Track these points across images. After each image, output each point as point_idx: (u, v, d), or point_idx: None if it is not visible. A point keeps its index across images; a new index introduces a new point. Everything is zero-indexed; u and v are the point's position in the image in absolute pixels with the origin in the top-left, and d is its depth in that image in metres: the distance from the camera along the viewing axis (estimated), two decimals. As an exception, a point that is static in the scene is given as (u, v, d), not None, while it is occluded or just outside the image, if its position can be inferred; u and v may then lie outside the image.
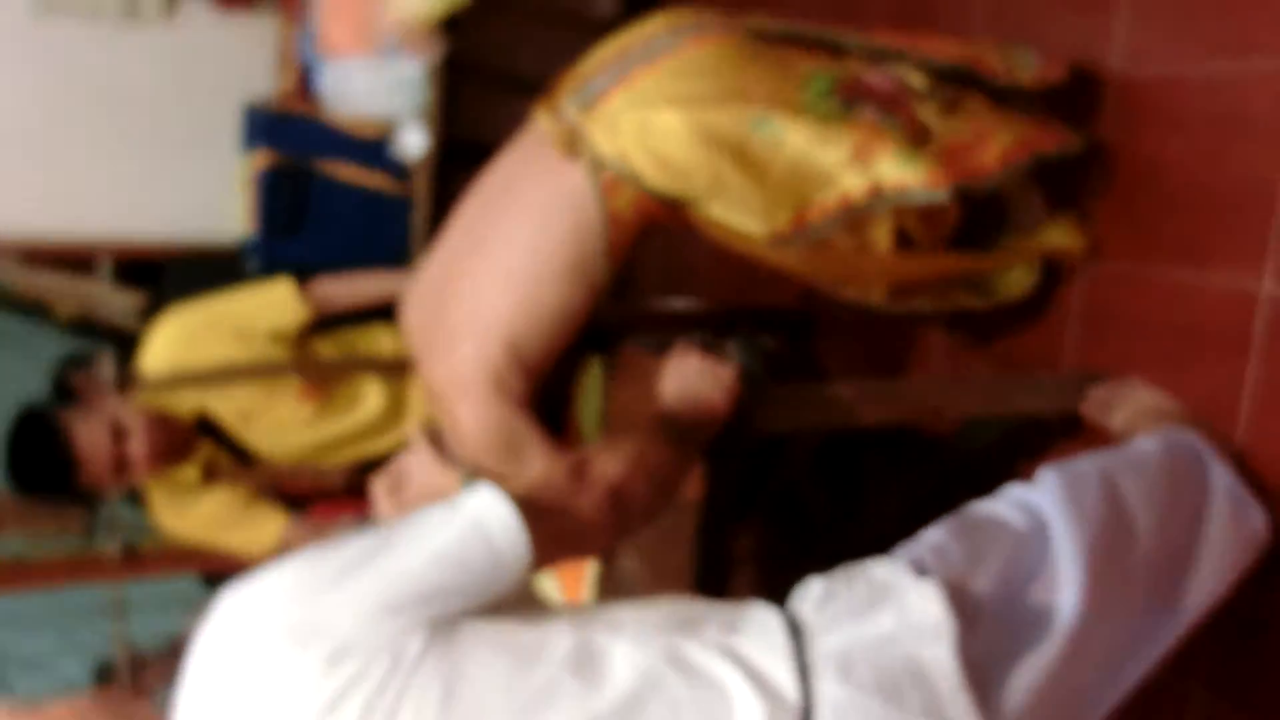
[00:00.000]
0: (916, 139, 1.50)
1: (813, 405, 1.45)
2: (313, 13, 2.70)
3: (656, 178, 1.45)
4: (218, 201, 3.11)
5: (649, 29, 1.55)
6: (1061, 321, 1.89)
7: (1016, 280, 1.83)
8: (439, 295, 1.56)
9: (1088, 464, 1.25)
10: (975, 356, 2.10)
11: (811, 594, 1.01)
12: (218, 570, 3.57)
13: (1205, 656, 1.58)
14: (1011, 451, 1.95)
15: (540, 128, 1.53)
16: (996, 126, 1.58)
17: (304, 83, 2.85)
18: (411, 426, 1.76)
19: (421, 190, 2.77)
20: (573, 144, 1.48)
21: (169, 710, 0.88)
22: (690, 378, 1.31)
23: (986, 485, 1.49)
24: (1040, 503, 1.15)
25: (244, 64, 3.08)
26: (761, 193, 1.47)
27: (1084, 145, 1.69)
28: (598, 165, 1.46)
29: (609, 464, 1.06)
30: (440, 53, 2.60)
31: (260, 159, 2.75)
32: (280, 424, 2.07)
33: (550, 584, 1.90)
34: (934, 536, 1.10)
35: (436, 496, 1.58)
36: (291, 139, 2.75)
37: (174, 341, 2.05)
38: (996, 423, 1.93)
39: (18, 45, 2.90)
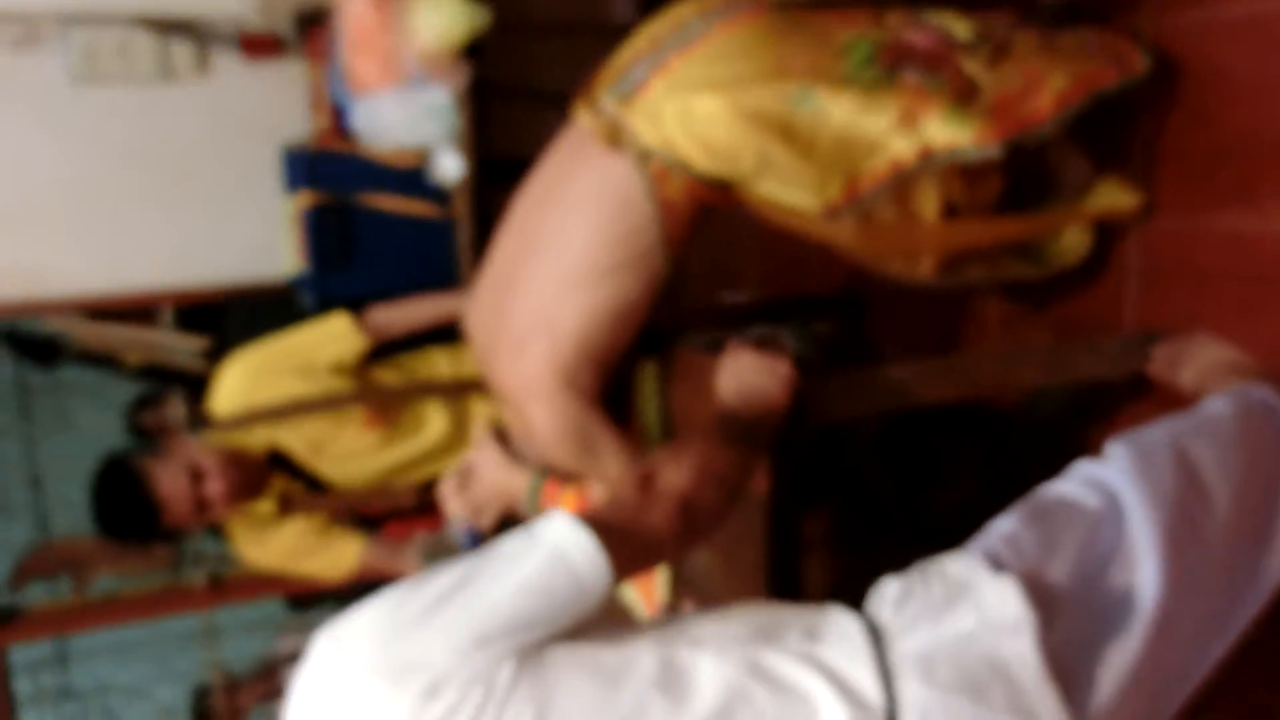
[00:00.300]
0: (964, 96, 1.47)
1: (871, 390, 1.45)
2: (338, 51, 2.74)
3: (704, 162, 1.45)
4: (267, 242, 3.17)
5: (679, 15, 1.54)
6: (1119, 282, 1.86)
7: (1070, 246, 1.80)
8: (498, 300, 1.57)
9: (1158, 433, 1.23)
10: (1032, 326, 2.07)
11: (888, 595, 1.01)
12: (300, 592, 3.66)
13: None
14: (1080, 419, 1.91)
15: (581, 125, 1.52)
16: (1049, 68, 1.53)
17: (338, 121, 2.89)
18: (478, 426, 1.77)
19: (463, 211, 2.79)
20: (616, 137, 1.47)
21: None
22: (746, 374, 1.31)
23: (1056, 456, 1.47)
24: (1112, 479, 1.13)
25: (278, 109, 3.13)
26: (810, 166, 1.46)
27: (1150, 68, 1.61)
28: (644, 156, 1.46)
29: (675, 474, 1.07)
30: (466, 78, 2.62)
31: (303, 199, 2.80)
32: (349, 453, 2.13)
33: (625, 585, 1.91)
34: (1006, 525, 1.08)
35: (504, 495, 1.62)
36: (331, 176, 2.79)
37: (241, 382, 2.11)
38: (1062, 391, 1.90)
39: (60, 113, 2.99)
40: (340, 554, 2.19)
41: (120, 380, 3.37)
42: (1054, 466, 1.27)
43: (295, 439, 2.11)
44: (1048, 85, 1.51)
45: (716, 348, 2.34)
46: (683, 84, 1.45)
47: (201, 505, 2.01)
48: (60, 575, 3.51)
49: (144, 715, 3.90)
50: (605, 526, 0.95)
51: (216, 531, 2.61)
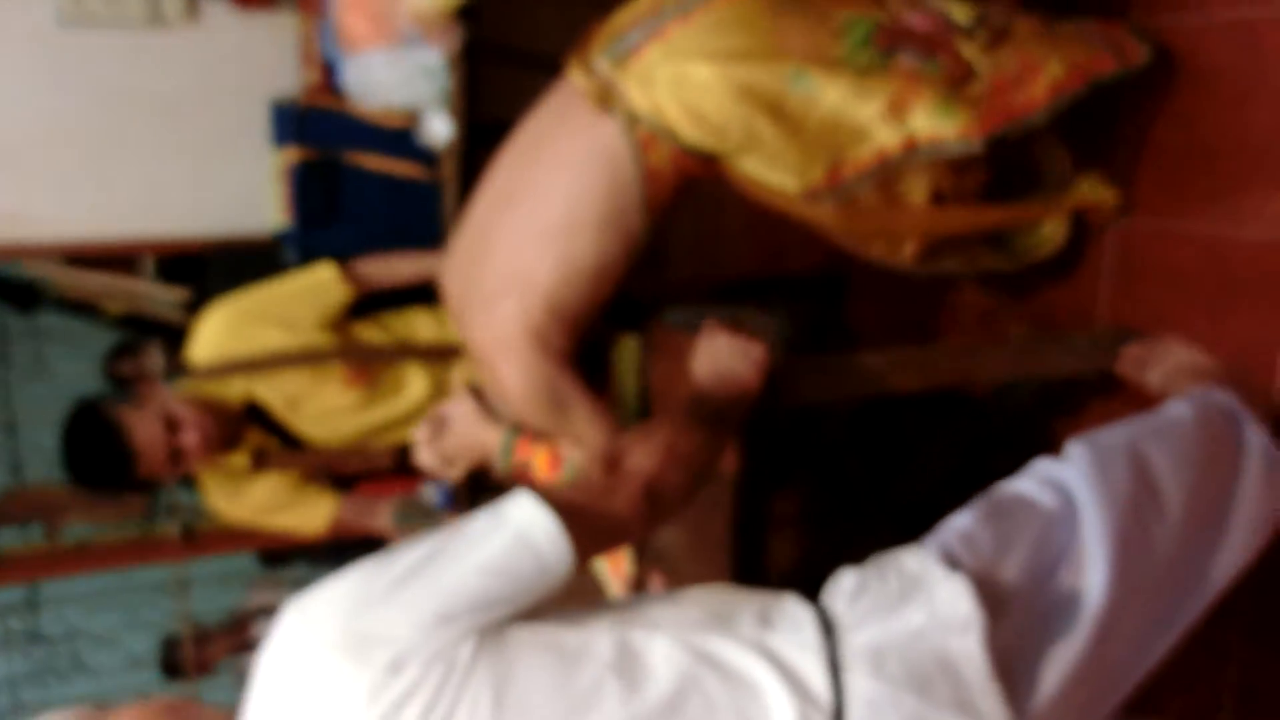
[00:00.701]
0: (958, 82, 1.49)
1: (844, 376, 1.47)
2: (331, 8, 2.72)
3: (691, 133, 1.45)
4: (252, 195, 3.15)
5: None
6: (1094, 278, 1.88)
7: (1045, 238, 1.82)
8: (473, 255, 1.57)
9: (1117, 435, 1.25)
10: (1009, 317, 2.09)
11: (844, 587, 1.03)
12: (273, 548, 3.67)
13: (1243, 609, 1.59)
14: (1048, 412, 1.94)
15: (572, 83, 1.52)
16: (1047, 55, 1.54)
17: (328, 77, 2.87)
18: (455, 377, 1.76)
19: (450, 174, 2.79)
20: (606, 98, 1.47)
21: (237, 692, 0.93)
22: (720, 356, 1.33)
23: (1023, 446, 1.50)
24: (1069, 480, 1.16)
25: (268, 61, 3.10)
26: (796, 148, 1.47)
27: (1148, 59, 1.62)
28: (632, 120, 1.46)
29: (642, 457, 1.08)
30: (459, 40, 2.61)
31: (290, 154, 2.79)
32: (327, 410, 2.12)
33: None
34: (963, 522, 1.11)
35: (476, 449, 1.62)
36: (319, 133, 2.77)
37: (220, 331, 2.10)
38: (1032, 384, 1.93)
39: (46, 56, 2.95)
40: (313, 511, 2.19)
41: (99, 328, 3.35)
42: (1021, 457, 1.30)
43: (272, 392, 2.10)
44: (1044, 72, 1.52)
45: (696, 325, 2.36)
46: (679, 52, 1.44)
47: (175, 455, 2.00)
48: (33, 521, 3.51)
49: (112, 663, 3.91)
50: (570, 508, 0.97)
51: (191, 483, 2.61)
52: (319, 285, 2.16)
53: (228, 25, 3.08)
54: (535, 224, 1.49)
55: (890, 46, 1.49)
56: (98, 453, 1.98)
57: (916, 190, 1.58)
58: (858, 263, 1.76)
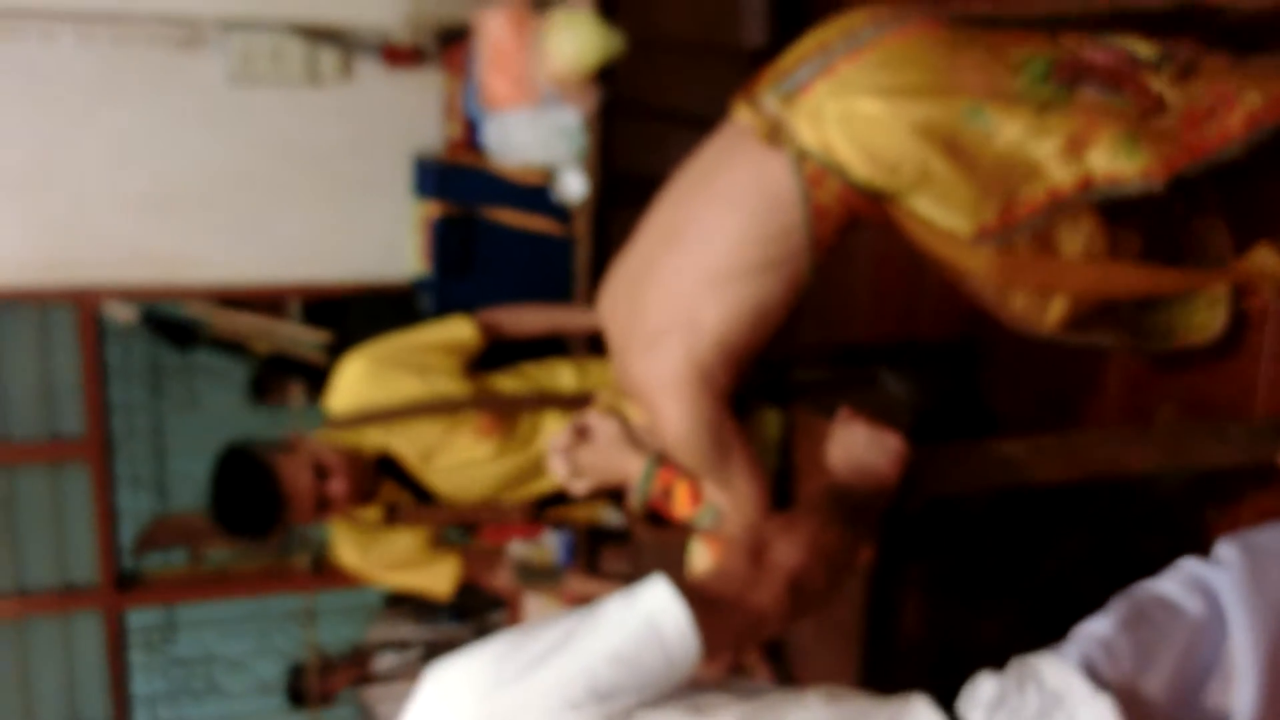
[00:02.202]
0: (1148, 113, 1.42)
1: (983, 467, 1.43)
2: (475, 68, 2.81)
3: (862, 170, 1.41)
4: (392, 244, 3.28)
5: (850, 23, 1.49)
6: (1254, 363, 1.79)
7: (1201, 323, 1.74)
8: (635, 291, 1.54)
9: (1274, 535, 1.18)
10: (1156, 397, 2.00)
11: (982, 697, 1.00)
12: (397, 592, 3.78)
13: None
14: (1198, 500, 1.85)
15: (739, 121, 1.49)
16: (1242, 86, 1.44)
17: (469, 134, 2.97)
18: (601, 398, 1.69)
19: (583, 230, 2.84)
20: (775, 134, 1.43)
21: None
22: (857, 447, 1.31)
23: (1169, 534, 1.43)
24: (1218, 585, 1.09)
25: (413, 118, 3.23)
26: (970, 186, 1.41)
27: None
28: (801, 156, 1.42)
29: (788, 549, 1.07)
30: (597, 101, 2.67)
31: (431, 207, 2.89)
32: (460, 463, 2.12)
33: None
34: (1103, 628, 1.06)
35: (612, 471, 1.57)
36: (459, 188, 2.87)
37: (359, 379, 2.10)
38: (1183, 470, 1.84)
39: (215, 112, 3.14)
40: (438, 573, 2.19)
41: (247, 366, 3.52)
42: (1166, 545, 1.24)
43: (406, 444, 2.11)
44: (1241, 102, 1.43)
45: (831, 390, 2.32)
46: (848, 88, 1.41)
47: (322, 503, 1.99)
48: (177, 546, 3.69)
49: (242, 687, 4.06)
50: (710, 598, 0.97)
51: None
52: (453, 334, 2.19)
53: (378, 83, 3.23)
54: (701, 264, 1.46)
55: (1073, 79, 1.43)
56: (248, 498, 1.97)
57: (1071, 242, 1.52)
58: (991, 329, 1.69)
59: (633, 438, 1.56)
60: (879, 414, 1.38)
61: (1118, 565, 1.20)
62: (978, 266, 1.51)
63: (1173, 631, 1.06)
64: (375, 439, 2.10)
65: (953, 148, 1.40)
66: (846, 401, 1.45)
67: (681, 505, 1.55)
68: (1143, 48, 1.50)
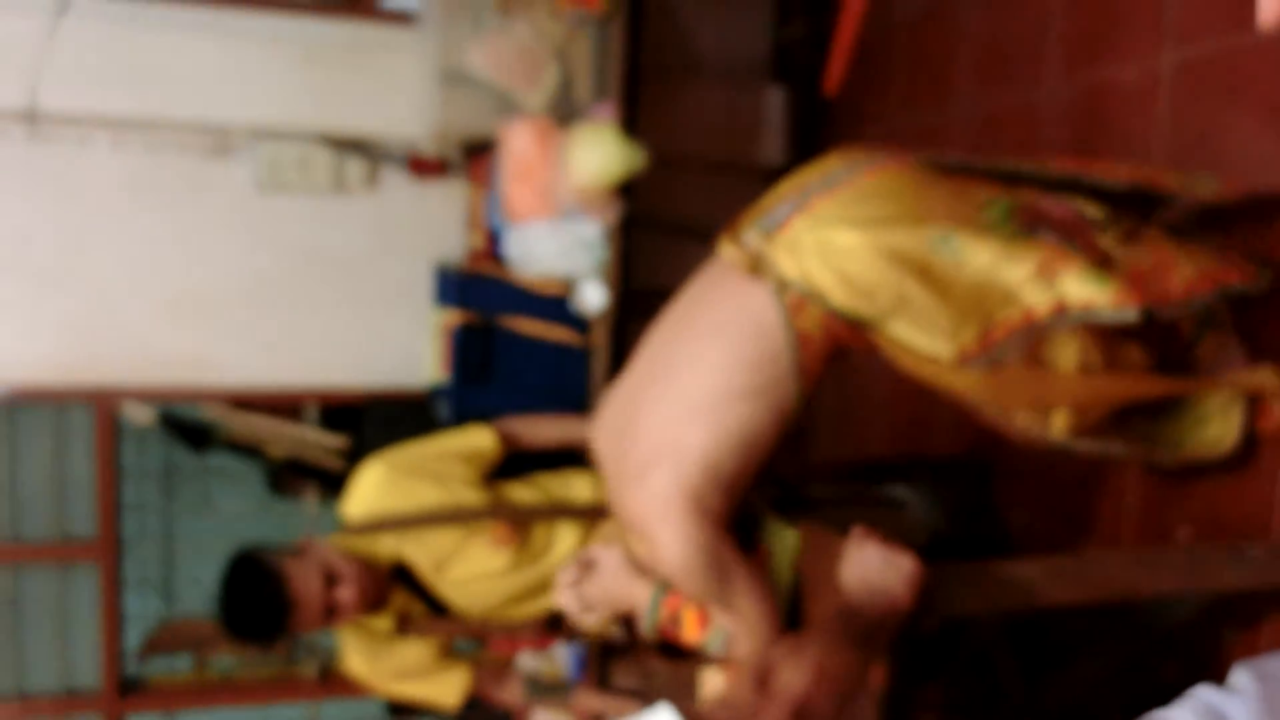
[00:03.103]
0: (1099, 264, 1.47)
1: (997, 589, 1.41)
2: (499, 180, 2.89)
3: (840, 296, 1.45)
4: (411, 351, 3.32)
5: (825, 165, 1.58)
6: (1271, 483, 1.78)
7: (1214, 438, 1.74)
8: (626, 425, 1.56)
9: None
10: (1174, 515, 1.99)
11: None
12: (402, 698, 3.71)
13: None
14: (1216, 622, 1.82)
15: (723, 257, 1.55)
16: (1177, 257, 1.53)
17: (491, 244, 3.04)
18: (606, 529, 1.70)
19: (601, 340, 2.87)
20: (757, 266, 1.49)
21: None
22: (871, 568, 1.30)
23: (1185, 657, 1.40)
24: (1232, 716, 1.08)
25: (436, 227, 3.31)
26: (946, 311, 1.45)
27: (1270, 280, 1.60)
28: (783, 286, 1.47)
29: (792, 675, 1.06)
30: (618, 215, 2.73)
31: (451, 316, 2.93)
32: (473, 574, 2.09)
33: None
34: None
35: (620, 600, 1.57)
36: (480, 297, 2.92)
37: (377, 486, 2.09)
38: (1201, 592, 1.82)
39: (243, 219, 3.23)
40: (447, 685, 2.16)
41: (262, 470, 3.53)
42: (1183, 669, 1.22)
43: (421, 553, 2.09)
44: (1178, 270, 1.51)
45: (845, 507, 2.32)
46: (824, 221, 1.47)
47: (331, 610, 1.98)
48: (182, 652, 3.64)
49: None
50: None
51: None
52: (473, 443, 2.20)
53: (403, 193, 3.32)
54: (686, 393, 1.49)
55: (1032, 224, 1.50)
56: (256, 602, 1.96)
57: (1064, 357, 1.54)
58: (1005, 447, 1.69)
59: (638, 565, 1.56)
60: (893, 534, 1.38)
61: (1134, 690, 1.18)
62: (968, 388, 1.54)
63: None
64: (389, 547, 2.09)
65: (925, 273, 1.45)
66: (860, 520, 1.45)
67: (690, 631, 1.55)
68: (1091, 209, 1.58)
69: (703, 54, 3.40)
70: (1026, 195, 1.57)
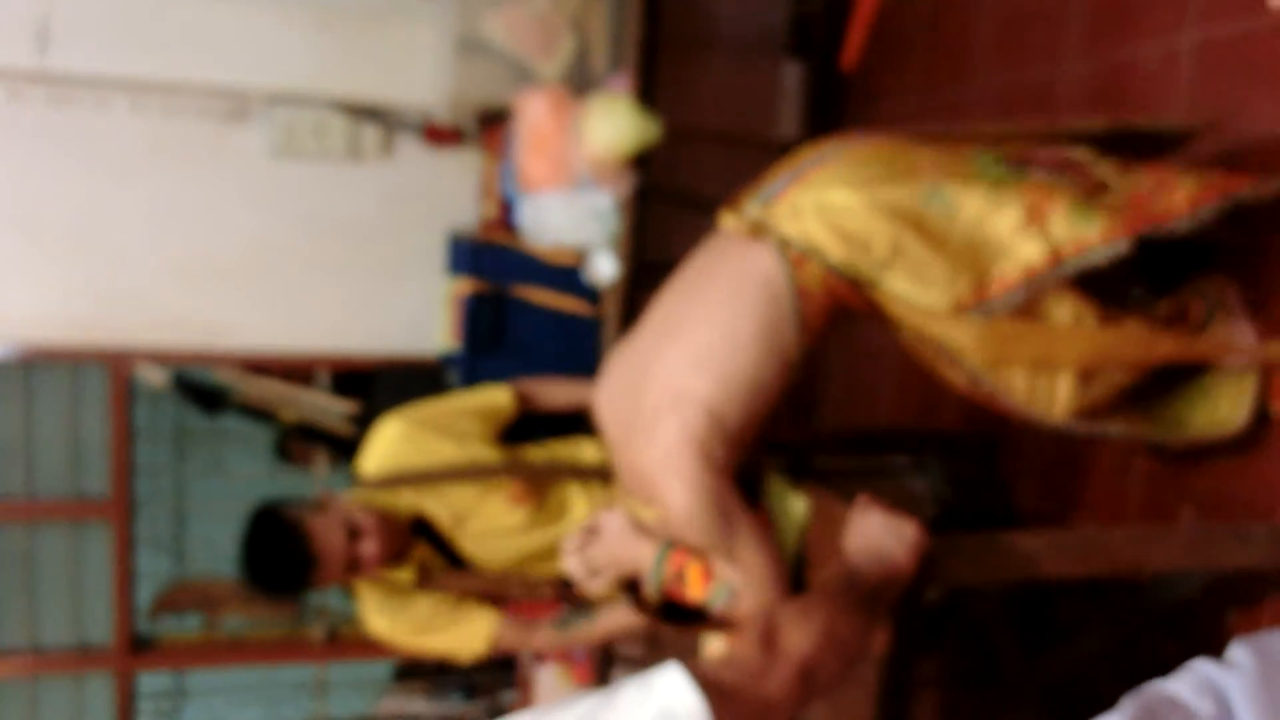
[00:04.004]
0: (1091, 193, 1.52)
1: (1000, 560, 1.42)
2: (513, 149, 2.89)
3: (838, 252, 1.51)
4: (422, 319, 3.33)
5: (818, 146, 1.65)
6: (1276, 466, 1.78)
7: (1223, 418, 1.74)
8: (635, 384, 1.59)
9: None
10: (1177, 495, 2.00)
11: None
12: (411, 659, 3.74)
13: None
14: (1216, 600, 1.83)
15: (725, 228, 1.61)
16: (1179, 175, 1.56)
17: (504, 213, 3.04)
18: (611, 495, 1.72)
19: (612, 311, 2.88)
20: (759, 230, 1.55)
21: None
22: (874, 535, 1.31)
23: (1185, 633, 1.41)
24: (1229, 688, 1.09)
25: (450, 196, 3.32)
26: (941, 261, 1.49)
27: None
28: (784, 243, 1.53)
29: (800, 637, 1.07)
30: (631, 185, 2.73)
31: (463, 285, 2.94)
32: (491, 529, 2.11)
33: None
34: None
35: (624, 562, 1.59)
36: (492, 266, 2.93)
37: (394, 442, 2.11)
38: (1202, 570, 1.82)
39: (257, 184, 3.24)
40: (472, 631, 2.14)
41: (273, 433, 3.56)
42: (1181, 645, 1.23)
43: (440, 506, 2.09)
44: (1180, 187, 1.54)
45: (851, 478, 2.33)
46: (820, 184, 1.54)
47: (353, 563, 1.98)
48: (192, 612, 3.69)
49: (249, 755, 4.02)
50: (720, 686, 0.97)
51: (342, 588, 2.67)
52: (490, 401, 2.21)
53: (418, 161, 3.33)
54: (692, 347, 1.53)
55: (1020, 164, 1.56)
56: (279, 556, 1.96)
57: (1058, 314, 1.55)
58: (1012, 424, 1.70)
59: (641, 527, 1.58)
60: (898, 502, 1.39)
61: (1134, 665, 1.19)
62: (968, 340, 1.56)
63: None
64: (409, 500, 2.10)
65: (918, 225, 1.50)
66: (866, 489, 1.46)
67: (695, 586, 1.56)
68: (1080, 153, 1.63)
69: (720, 26, 3.38)
70: (1014, 145, 1.63)
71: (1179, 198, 1.53)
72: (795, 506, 1.67)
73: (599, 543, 1.61)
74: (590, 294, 2.88)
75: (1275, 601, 1.75)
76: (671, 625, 1.68)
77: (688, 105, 3.10)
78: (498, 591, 2.14)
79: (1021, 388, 1.61)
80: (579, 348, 2.92)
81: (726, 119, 3.31)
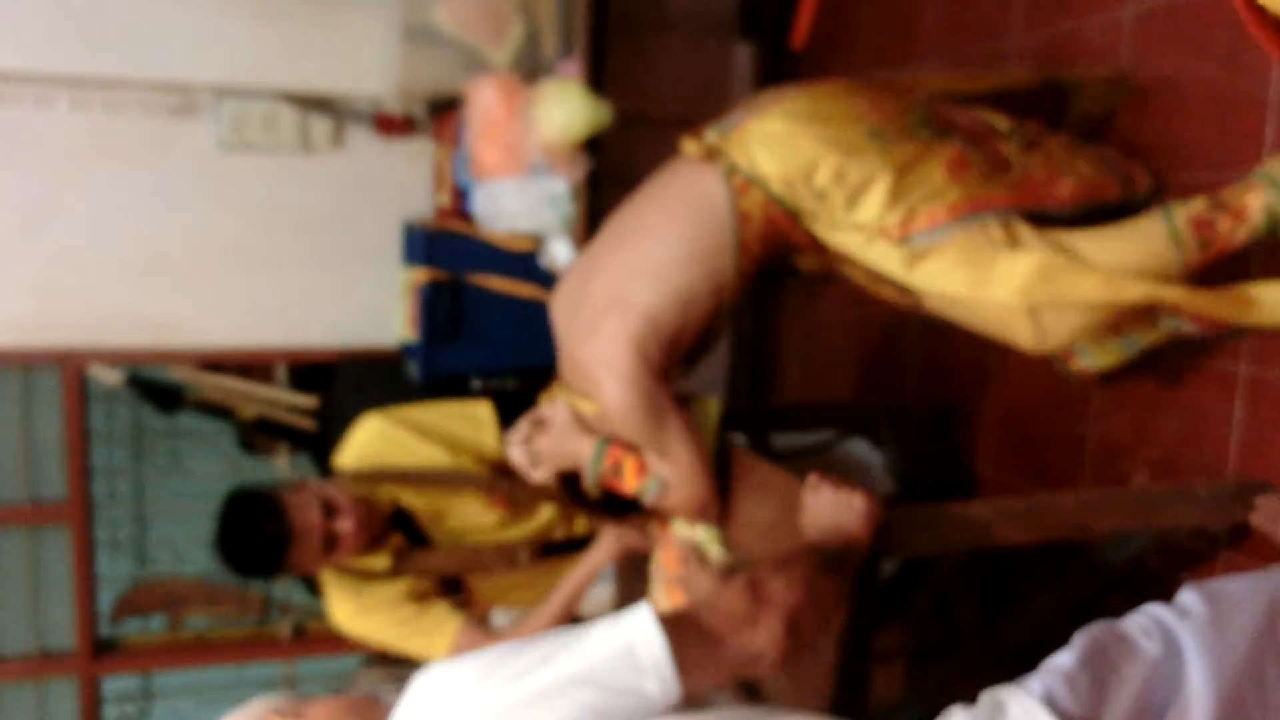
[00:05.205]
0: (995, 168, 1.70)
1: (952, 529, 1.45)
2: (466, 137, 2.88)
3: (779, 178, 1.64)
4: (379, 310, 3.31)
5: (780, 87, 1.79)
6: (1225, 428, 1.82)
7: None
8: (582, 286, 1.73)
9: (1238, 585, 1.21)
10: (1130, 460, 2.03)
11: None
12: (379, 653, 3.73)
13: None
14: (1168, 559, 1.87)
15: (683, 151, 1.74)
16: (1065, 171, 1.75)
17: (458, 201, 3.03)
18: (557, 393, 1.78)
19: (569, 296, 2.88)
20: (711, 154, 1.69)
21: None
22: (826, 510, 1.33)
23: (1138, 593, 1.44)
24: (1177, 629, 1.12)
25: (404, 185, 3.29)
26: (879, 190, 1.63)
27: (1151, 187, 1.83)
28: (731, 170, 1.67)
29: (784, 587, 1.07)
30: (584, 170, 2.72)
31: (419, 274, 2.92)
32: (468, 527, 2.10)
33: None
34: (1066, 662, 1.09)
35: (566, 455, 1.70)
36: (447, 255, 2.91)
37: (374, 439, 2.10)
38: (1151, 531, 1.86)
39: (208, 178, 3.19)
40: (432, 641, 2.10)
41: (233, 431, 3.52)
42: (1137, 603, 1.26)
43: (419, 501, 2.10)
44: (1065, 180, 1.74)
45: (805, 458, 2.35)
46: (771, 117, 1.67)
47: (330, 541, 1.96)
48: (156, 612, 3.65)
49: (216, 759, 3.98)
50: (705, 632, 0.97)
51: (308, 584, 2.63)
52: (474, 419, 2.18)
53: (369, 151, 3.30)
54: (636, 258, 1.68)
55: (945, 128, 1.72)
56: (255, 532, 1.94)
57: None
58: (968, 394, 1.74)
59: (583, 422, 1.70)
60: (848, 476, 1.41)
61: (1088, 624, 1.22)
62: (895, 265, 1.69)
63: (1132, 670, 1.08)
64: (388, 490, 2.09)
65: (860, 155, 1.64)
66: (819, 467, 1.48)
67: (629, 479, 1.69)
68: (999, 121, 1.82)
69: (669, 9, 3.39)
70: (940, 106, 1.80)
71: (1062, 190, 1.72)
72: (710, 407, 1.80)
73: (543, 435, 1.72)
74: (547, 280, 2.88)
75: (1225, 559, 1.79)
76: (606, 516, 1.86)
77: (639, 89, 3.10)
78: (474, 566, 2.13)
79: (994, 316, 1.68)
80: (537, 334, 2.91)
81: (678, 102, 3.31)
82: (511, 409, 2.46)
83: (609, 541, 2.03)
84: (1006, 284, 1.61)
